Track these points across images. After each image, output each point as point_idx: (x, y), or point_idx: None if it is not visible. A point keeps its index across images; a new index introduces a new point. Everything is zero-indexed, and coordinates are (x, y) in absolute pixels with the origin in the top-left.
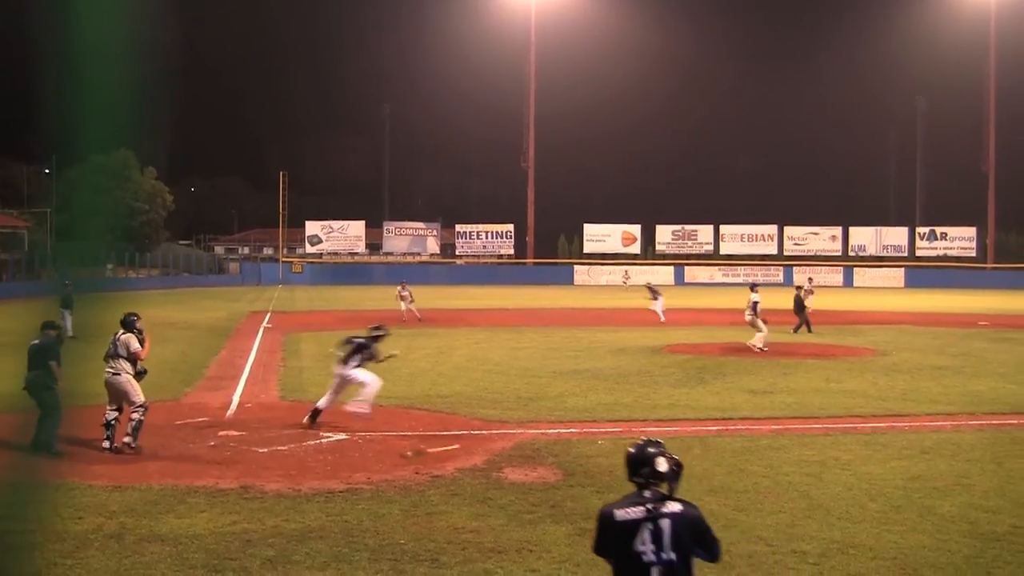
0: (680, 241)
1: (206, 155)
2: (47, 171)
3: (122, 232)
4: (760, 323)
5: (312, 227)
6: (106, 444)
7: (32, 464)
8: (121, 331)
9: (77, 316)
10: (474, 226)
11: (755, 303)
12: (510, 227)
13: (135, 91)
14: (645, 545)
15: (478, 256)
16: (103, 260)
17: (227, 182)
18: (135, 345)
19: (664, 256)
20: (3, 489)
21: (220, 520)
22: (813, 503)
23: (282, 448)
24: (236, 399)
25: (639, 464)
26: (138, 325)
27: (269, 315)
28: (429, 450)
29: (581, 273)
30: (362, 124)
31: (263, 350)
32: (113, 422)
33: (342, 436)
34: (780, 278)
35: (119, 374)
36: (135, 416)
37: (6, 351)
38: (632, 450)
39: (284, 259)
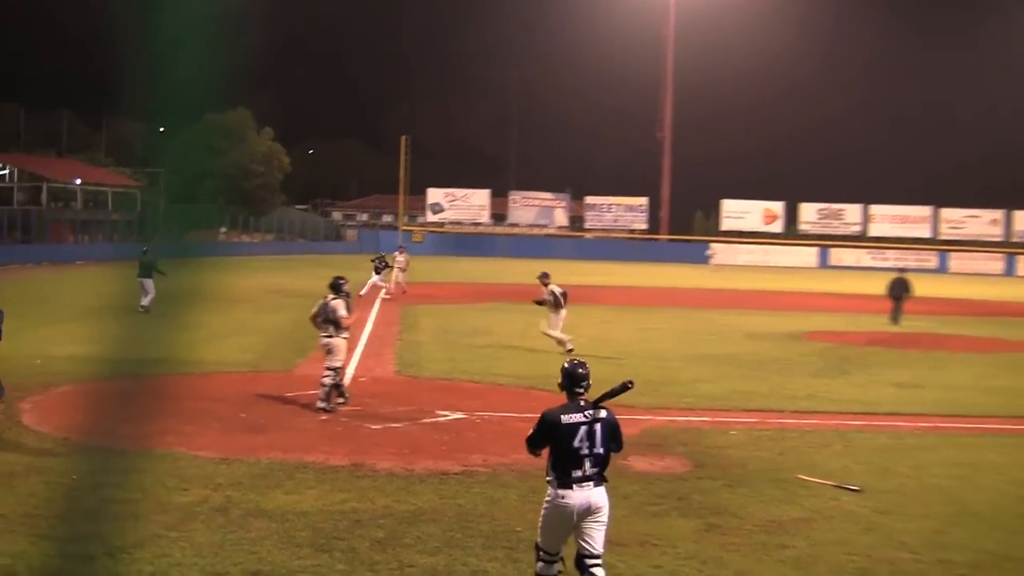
0: (825, 221)
1: (326, 117)
2: (161, 129)
3: (236, 194)
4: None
5: (434, 194)
6: (339, 400)
7: (139, 431)
8: (331, 295)
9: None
10: (605, 199)
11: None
12: (643, 201)
13: (253, 48)
14: (582, 442)
15: (608, 230)
16: (216, 223)
17: (346, 145)
18: (341, 311)
19: (807, 236)
20: (108, 455)
21: (329, 498)
22: (963, 509)
23: (396, 425)
24: (350, 372)
25: (574, 381)
26: (345, 288)
27: (394, 284)
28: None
29: (718, 251)
30: (489, 89)
31: (380, 322)
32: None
33: (459, 415)
34: (934, 263)
35: (332, 337)
36: (326, 381)
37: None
38: (567, 366)
39: (404, 227)
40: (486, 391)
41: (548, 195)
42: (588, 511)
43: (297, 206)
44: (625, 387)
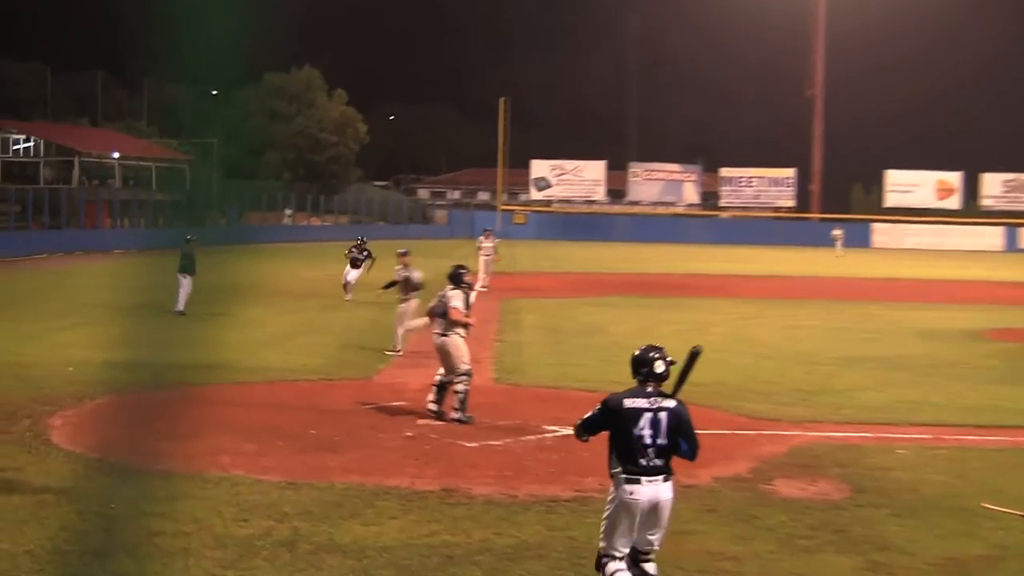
0: (1013, 195)
1: (410, 76)
2: (213, 92)
3: (303, 169)
4: None
5: (539, 167)
6: (432, 406)
7: (189, 451)
8: (449, 286)
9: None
10: (744, 170)
11: None
12: (790, 173)
13: None
14: (645, 430)
15: (748, 208)
16: (279, 203)
17: (434, 111)
18: (454, 303)
19: (990, 214)
20: (153, 480)
21: (415, 529)
22: None
23: (495, 443)
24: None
25: (641, 365)
26: (465, 278)
27: (483, 276)
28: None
29: (880, 232)
30: (603, 41)
31: (475, 319)
32: (447, 384)
33: (570, 431)
34: None
35: (446, 335)
36: (459, 388)
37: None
38: (636, 353)
39: (503, 207)
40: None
41: (675, 167)
42: (658, 507)
43: (376, 183)
44: (694, 356)
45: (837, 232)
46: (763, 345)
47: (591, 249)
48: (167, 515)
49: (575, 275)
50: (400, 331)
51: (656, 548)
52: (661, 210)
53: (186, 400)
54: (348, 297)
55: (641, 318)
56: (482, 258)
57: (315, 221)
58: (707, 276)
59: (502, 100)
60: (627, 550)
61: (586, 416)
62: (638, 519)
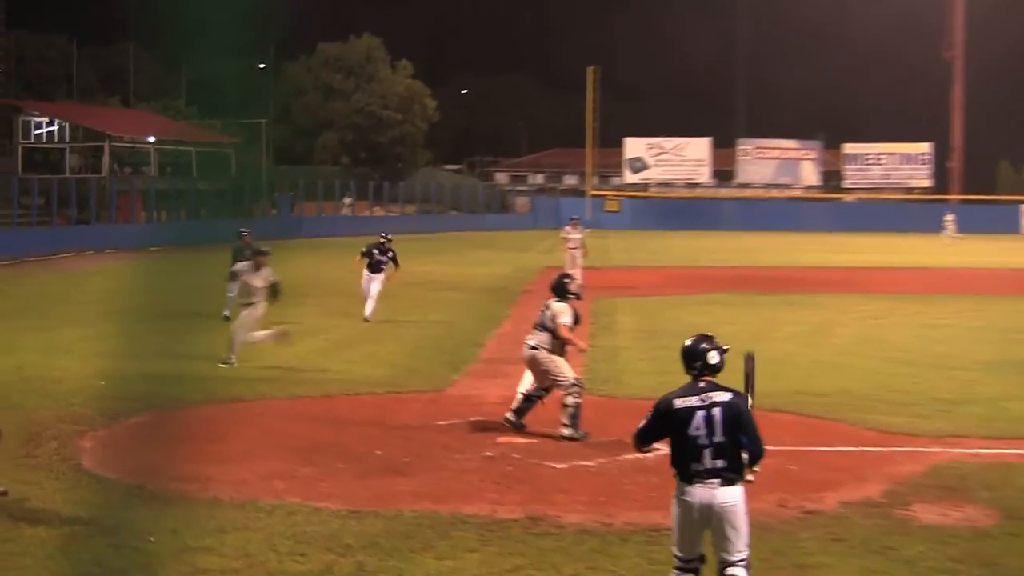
0: None
1: (485, 45)
2: (260, 65)
3: (365, 152)
4: None
5: (634, 146)
6: (510, 416)
7: (238, 476)
8: (554, 298)
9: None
10: (871, 146)
11: None
12: (925, 148)
13: None
14: (699, 430)
15: (876, 190)
16: (338, 192)
17: (513, 83)
18: (564, 318)
19: None
20: (197, 509)
21: (497, 564)
22: None
23: (587, 464)
24: (521, 390)
25: (693, 357)
26: (572, 288)
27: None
28: (789, 466)
29: None
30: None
31: (586, 343)
32: (534, 397)
33: None
34: None
35: (538, 348)
36: (569, 401)
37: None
38: (687, 344)
39: (593, 192)
40: None
41: (791, 143)
42: (712, 512)
43: (447, 166)
44: (750, 360)
45: (949, 217)
46: (896, 348)
47: (695, 239)
48: (214, 549)
49: (676, 269)
50: (238, 340)
51: (734, 557)
52: (775, 193)
53: (234, 417)
54: (368, 314)
55: (754, 318)
56: (568, 251)
57: (378, 211)
58: (829, 269)
59: (591, 69)
60: (692, 557)
61: (641, 424)
62: (696, 522)
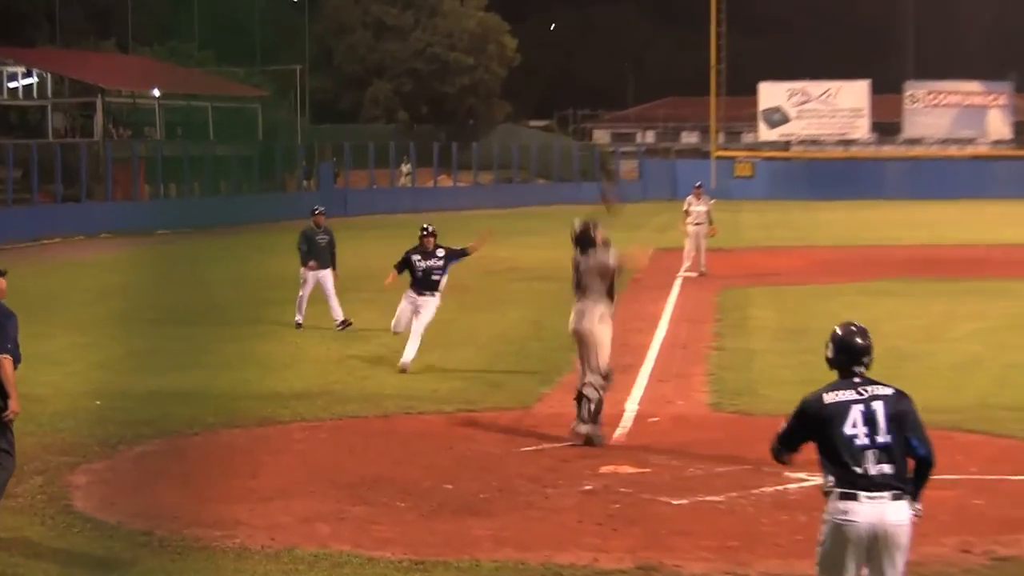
0: None
1: None
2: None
3: (427, 105)
4: None
5: (771, 94)
6: (583, 428)
7: (270, 519)
8: (596, 244)
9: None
10: None
11: None
12: None
13: None
14: (857, 427)
15: None
16: (394, 157)
17: (616, 15)
18: (610, 260)
19: None
20: (219, 560)
21: None
22: None
23: (715, 499)
24: (631, 408)
25: (843, 348)
26: (597, 235)
27: (692, 255)
28: (974, 500)
29: None
30: None
31: (681, 319)
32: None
33: (819, 479)
34: None
35: (603, 319)
36: (591, 392)
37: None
38: (837, 331)
39: (719, 153)
40: None
41: (974, 86)
42: (878, 537)
43: (531, 122)
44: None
45: None
46: None
47: (850, 212)
48: None
49: (827, 251)
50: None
51: None
52: (954, 152)
53: (267, 445)
54: (406, 360)
55: (928, 312)
56: (690, 228)
57: (445, 181)
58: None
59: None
60: None
61: (781, 428)
62: (856, 551)
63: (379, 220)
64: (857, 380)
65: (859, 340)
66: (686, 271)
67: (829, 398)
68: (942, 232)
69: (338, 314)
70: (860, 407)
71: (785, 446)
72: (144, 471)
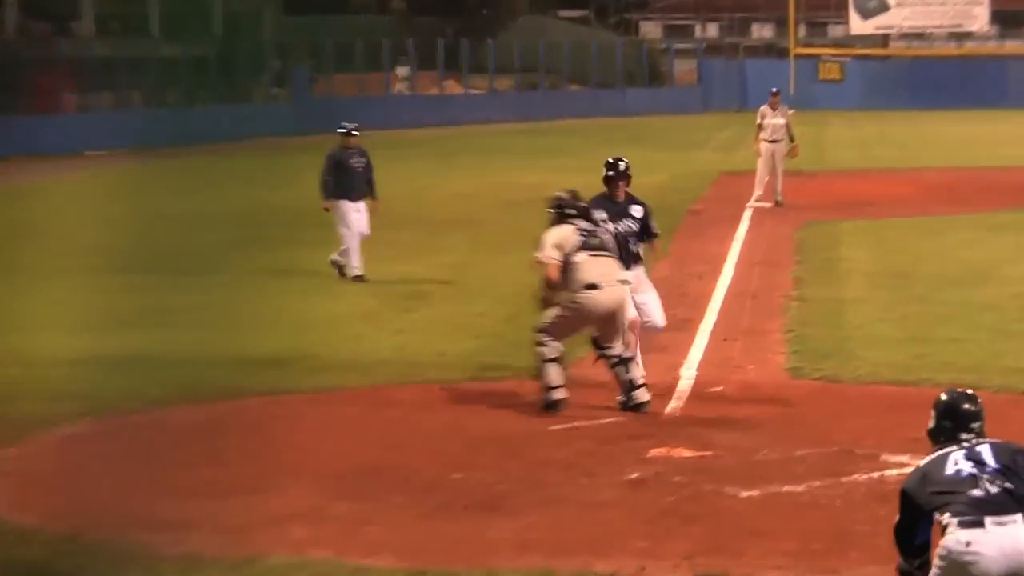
0: None
1: None
2: None
3: None
4: None
5: None
6: (639, 397)
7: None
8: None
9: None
10: None
11: None
12: None
13: None
14: (961, 463)
15: None
16: (387, 58)
17: None
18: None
19: None
20: (164, 572)
21: None
22: None
23: (794, 489)
24: (689, 375)
25: (959, 420)
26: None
27: (765, 177)
28: None
29: None
30: None
31: (752, 261)
32: (627, 359)
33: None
34: None
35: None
36: (549, 352)
37: None
38: (944, 398)
39: (800, 51)
40: (996, 409)
41: None
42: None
43: (563, 12)
44: None
45: None
46: None
47: (965, 124)
48: None
49: (936, 173)
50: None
51: None
52: None
53: (228, 424)
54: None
55: None
56: (764, 146)
57: (453, 88)
58: None
59: None
60: None
61: (896, 521)
62: None
63: (371, 137)
64: (963, 441)
65: (967, 405)
66: (758, 200)
67: (928, 461)
68: None
69: (356, 261)
70: (961, 452)
71: (909, 538)
72: (68, 459)
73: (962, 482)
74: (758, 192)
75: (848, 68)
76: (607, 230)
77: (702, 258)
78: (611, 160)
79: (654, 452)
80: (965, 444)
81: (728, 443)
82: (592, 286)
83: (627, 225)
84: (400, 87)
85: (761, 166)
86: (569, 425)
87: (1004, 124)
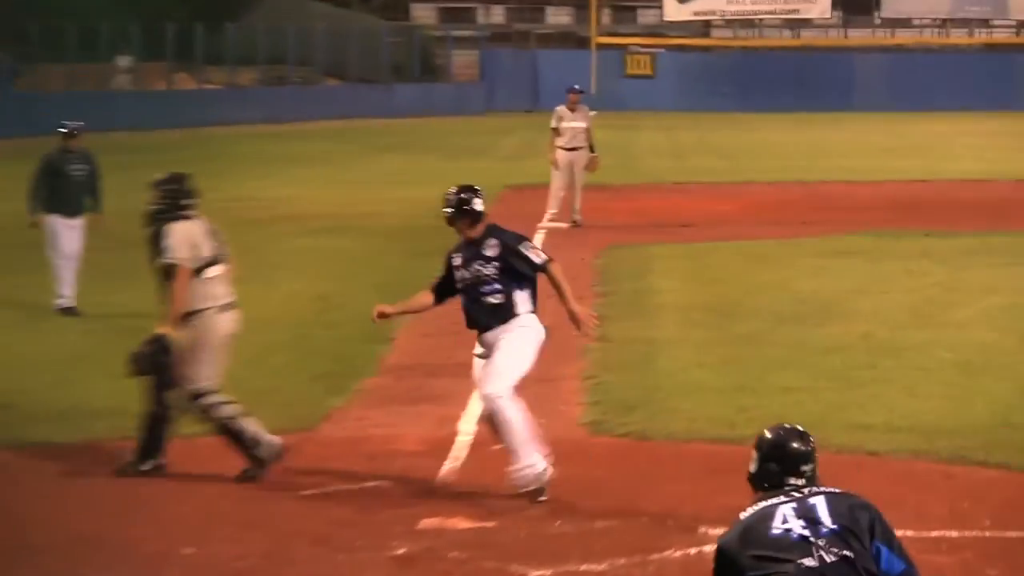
0: None
1: None
2: None
3: None
4: None
5: None
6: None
7: None
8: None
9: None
10: None
11: None
12: None
13: None
14: (789, 522)
15: None
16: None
17: None
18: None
19: None
20: None
21: None
22: None
23: (596, 567)
24: (466, 431)
25: (787, 463)
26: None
27: (560, 193)
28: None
29: None
30: None
31: (543, 291)
32: None
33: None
34: None
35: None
36: (223, 411)
37: None
38: (768, 434)
39: (601, 39)
40: (838, 472)
41: None
42: None
43: None
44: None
45: None
46: None
47: (803, 130)
48: None
49: (769, 188)
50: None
51: None
52: (957, 39)
53: None
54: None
55: (920, 282)
56: (561, 154)
57: (186, 82)
58: None
59: None
60: None
61: None
62: None
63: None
64: (792, 488)
65: (796, 444)
66: (552, 219)
67: (752, 514)
68: (935, 162)
69: (67, 290)
70: (791, 506)
71: None
72: None
73: (792, 547)
74: (552, 210)
75: (661, 61)
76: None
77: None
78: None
79: (426, 522)
80: (794, 494)
81: (514, 512)
82: (223, 307)
83: (475, 270)
84: (121, 81)
85: (556, 179)
86: (323, 490)
87: (848, 131)
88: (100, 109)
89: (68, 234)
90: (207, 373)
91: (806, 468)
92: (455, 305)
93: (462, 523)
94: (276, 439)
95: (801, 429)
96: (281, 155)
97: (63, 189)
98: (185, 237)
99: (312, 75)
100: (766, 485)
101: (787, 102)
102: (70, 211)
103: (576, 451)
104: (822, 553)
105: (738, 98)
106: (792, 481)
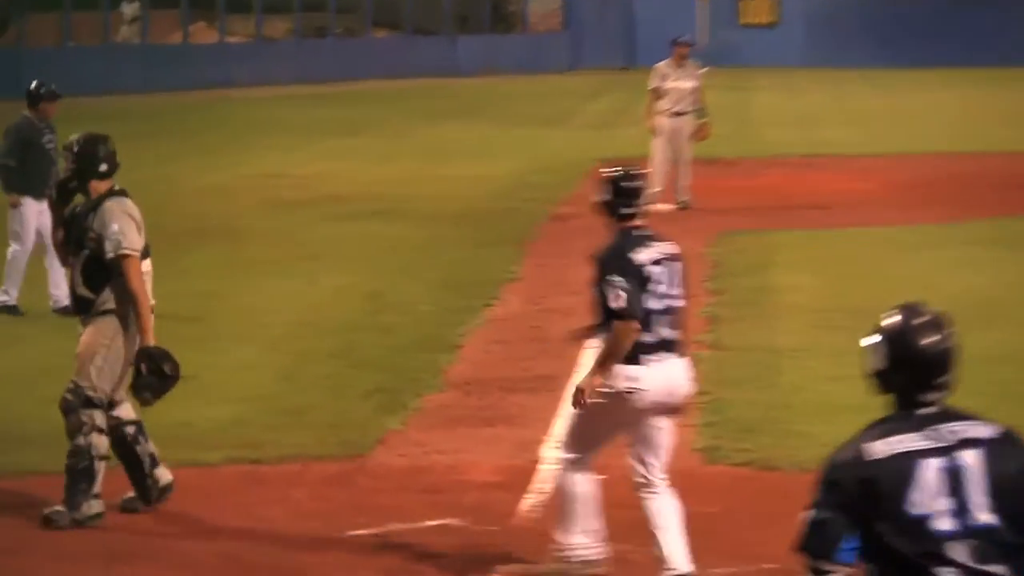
0: None
1: None
2: None
3: None
4: None
5: None
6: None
7: None
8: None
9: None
10: None
11: None
12: None
13: None
14: (932, 500)
15: None
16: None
17: None
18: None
19: None
20: None
21: None
22: None
23: None
24: (549, 455)
25: (902, 352)
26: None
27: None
28: None
29: None
30: None
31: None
32: None
33: None
34: None
35: None
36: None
37: None
38: (895, 320)
39: None
40: None
41: None
42: None
43: None
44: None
45: None
46: None
47: (960, 90)
48: None
49: (918, 163)
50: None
51: None
52: None
53: None
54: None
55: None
56: (664, 120)
57: (205, 34)
58: None
59: None
60: None
61: (806, 513)
62: None
63: (85, 105)
64: (929, 412)
65: (933, 339)
66: (655, 199)
67: (880, 450)
68: None
69: (61, 285)
70: (939, 462)
71: (823, 542)
72: None
73: (935, 540)
74: (656, 188)
75: (786, 4)
76: None
77: (569, 286)
78: None
79: (503, 570)
80: (940, 433)
81: (613, 558)
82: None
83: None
84: (126, 33)
85: (659, 151)
86: (374, 531)
87: (1017, 90)
88: (101, 67)
89: (35, 221)
90: (112, 384)
91: (946, 378)
92: (530, 306)
93: (546, 571)
94: (167, 474)
95: (940, 316)
96: (319, 122)
97: (35, 165)
98: (132, 221)
99: (357, 25)
100: (898, 393)
101: (942, 55)
102: (43, 192)
103: (688, 482)
104: (968, 535)
105: (881, 50)
106: (925, 396)
